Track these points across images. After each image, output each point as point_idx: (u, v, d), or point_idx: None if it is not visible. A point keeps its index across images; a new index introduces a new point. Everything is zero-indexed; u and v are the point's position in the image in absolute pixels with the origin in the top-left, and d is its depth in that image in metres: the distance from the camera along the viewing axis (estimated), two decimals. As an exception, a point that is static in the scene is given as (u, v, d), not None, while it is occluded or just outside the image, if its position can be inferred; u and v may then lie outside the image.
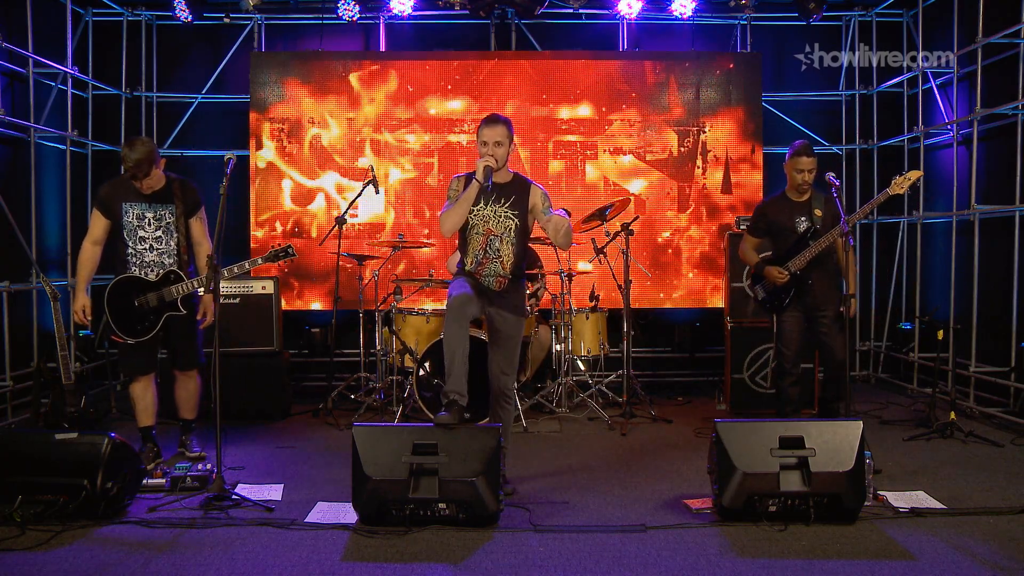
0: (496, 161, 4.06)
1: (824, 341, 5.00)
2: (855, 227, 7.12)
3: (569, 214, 4.92)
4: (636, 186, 7.40)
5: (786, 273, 4.96)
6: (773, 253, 5.16)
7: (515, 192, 4.15)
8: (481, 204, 4.13)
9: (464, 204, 4.08)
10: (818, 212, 4.96)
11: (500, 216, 4.13)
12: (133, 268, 4.61)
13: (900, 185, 4.70)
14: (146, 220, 4.60)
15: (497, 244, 4.14)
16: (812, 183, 5.01)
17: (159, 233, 4.62)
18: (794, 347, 5.07)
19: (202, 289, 4.60)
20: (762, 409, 5.98)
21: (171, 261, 4.64)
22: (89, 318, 4.63)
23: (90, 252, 4.65)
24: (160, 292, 4.59)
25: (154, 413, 4.79)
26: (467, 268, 4.21)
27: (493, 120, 4.15)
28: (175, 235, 4.64)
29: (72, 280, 6.59)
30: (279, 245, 4.72)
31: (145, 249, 4.61)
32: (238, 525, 3.71)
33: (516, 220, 4.14)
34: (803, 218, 5.00)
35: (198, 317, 4.73)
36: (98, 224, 4.63)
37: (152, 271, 4.62)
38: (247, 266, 4.64)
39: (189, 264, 4.72)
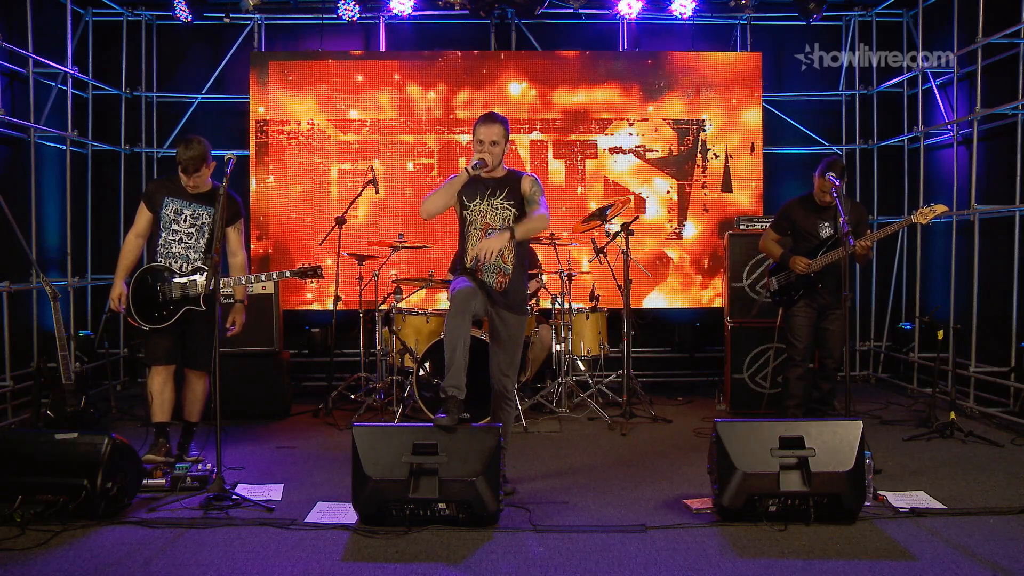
0: (492, 159, 4.04)
1: (825, 336, 5.21)
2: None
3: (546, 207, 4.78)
4: (636, 185, 7.40)
5: (808, 263, 5.12)
6: (793, 251, 5.31)
7: (509, 184, 4.13)
8: (478, 200, 4.11)
9: (449, 189, 4.06)
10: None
11: (497, 208, 4.11)
12: (159, 258, 4.72)
13: (924, 216, 4.84)
14: (183, 216, 4.72)
15: (497, 255, 4.06)
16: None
17: (191, 230, 4.73)
18: (804, 339, 5.24)
19: (234, 297, 4.81)
20: (762, 409, 5.97)
21: (196, 257, 4.72)
22: (124, 306, 4.68)
23: (132, 243, 4.78)
24: (185, 284, 4.65)
25: (170, 411, 4.84)
26: (468, 266, 4.17)
27: (490, 119, 4.09)
28: (206, 236, 4.73)
29: (73, 280, 6.63)
30: (301, 264, 4.85)
31: (175, 241, 4.72)
32: (238, 525, 3.71)
33: (513, 211, 4.12)
34: (827, 224, 5.20)
35: (227, 325, 4.81)
36: (142, 217, 4.76)
37: (176, 262, 4.70)
38: (275, 277, 4.78)
39: (223, 270, 4.76)
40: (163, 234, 4.72)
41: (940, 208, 4.82)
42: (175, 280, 4.65)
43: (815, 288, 5.17)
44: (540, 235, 5.27)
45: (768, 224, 5.70)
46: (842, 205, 4.63)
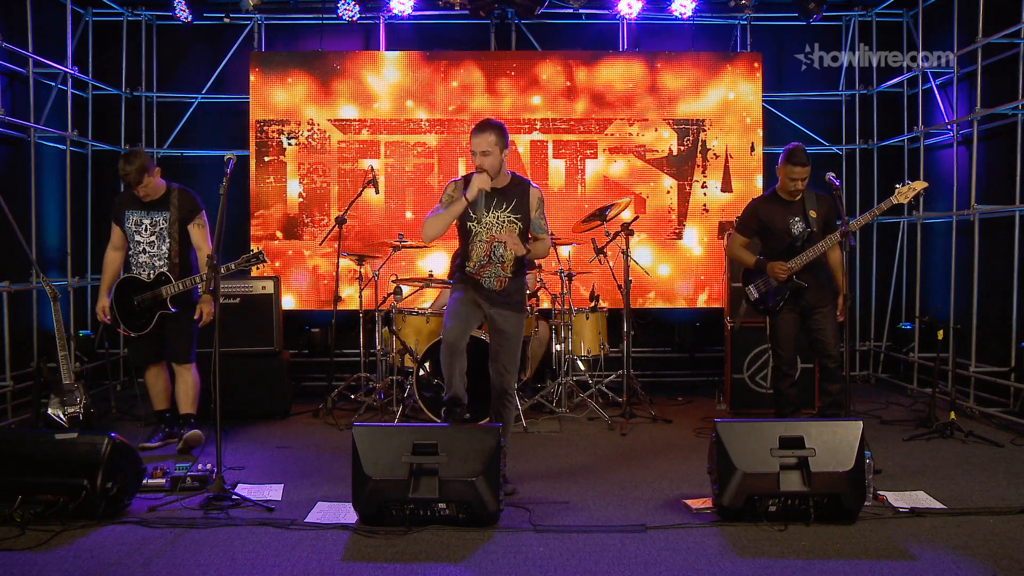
0: (489, 174, 4.03)
1: (818, 338, 4.92)
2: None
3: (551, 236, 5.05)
4: (636, 185, 7.40)
5: (788, 268, 4.88)
6: (764, 254, 5.07)
7: (516, 195, 4.14)
8: (484, 213, 4.12)
9: (448, 217, 4.10)
10: (813, 213, 4.87)
11: (504, 222, 4.13)
12: (132, 268, 5.00)
13: (904, 195, 4.66)
14: (142, 226, 4.96)
15: (501, 250, 4.15)
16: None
17: (152, 238, 4.96)
18: (791, 349, 5.03)
19: (200, 287, 4.96)
20: (762, 409, 5.97)
21: (161, 264, 4.96)
22: (109, 318, 4.99)
23: (110, 257, 5.12)
24: (154, 292, 4.91)
25: (167, 398, 5.18)
26: (467, 269, 4.21)
27: (481, 127, 4.06)
28: (167, 240, 4.96)
29: (73, 280, 6.63)
30: (259, 249, 5.01)
31: (140, 251, 4.98)
32: (238, 525, 3.71)
33: (519, 224, 4.15)
34: (797, 219, 4.92)
35: (195, 317, 4.97)
36: (114, 232, 5.09)
37: (143, 272, 4.97)
38: (221, 270, 4.74)
39: (191, 268, 5.04)
40: (130, 245, 5.00)
41: (919, 184, 4.66)
42: (145, 290, 4.92)
43: (800, 289, 4.91)
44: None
45: (733, 228, 5.38)
46: (839, 204, 4.57)
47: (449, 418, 4.16)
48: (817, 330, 4.93)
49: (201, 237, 5.01)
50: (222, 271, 4.69)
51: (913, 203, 7.05)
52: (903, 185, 4.68)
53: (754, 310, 5.22)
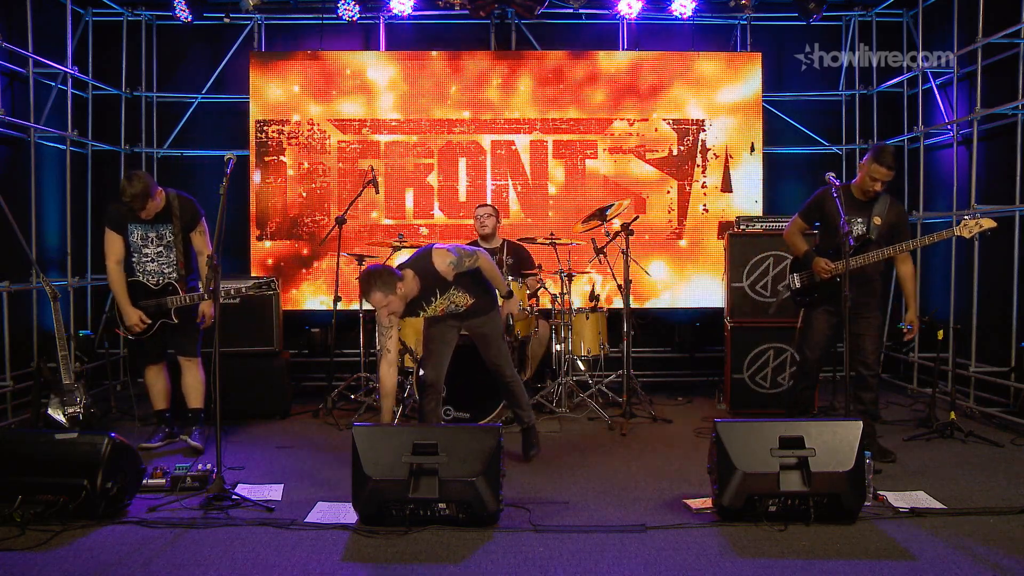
0: (396, 314, 4.23)
1: (857, 344, 4.78)
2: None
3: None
4: (636, 185, 7.40)
5: (832, 267, 4.77)
6: (819, 246, 4.97)
7: (437, 285, 4.33)
8: (427, 307, 4.39)
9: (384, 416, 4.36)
10: (877, 220, 4.75)
11: (448, 299, 4.41)
12: (138, 273, 5.02)
13: (969, 229, 4.57)
14: (149, 239, 5.00)
15: (454, 308, 4.46)
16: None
17: (160, 249, 5.02)
18: (819, 351, 4.94)
19: (199, 286, 5.03)
20: (762, 409, 5.97)
21: (170, 271, 5.02)
22: (148, 322, 4.97)
23: (116, 272, 5.04)
24: (159, 300, 4.96)
25: (167, 398, 5.23)
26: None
27: (364, 292, 4.17)
28: (174, 250, 5.02)
29: (73, 280, 6.63)
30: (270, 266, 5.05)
31: (148, 261, 5.02)
32: (238, 525, 3.71)
33: (462, 291, 4.40)
34: (860, 220, 4.80)
35: (197, 320, 5.04)
36: (115, 243, 5.01)
37: (153, 278, 5.02)
38: (232, 293, 5.01)
39: (190, 275, 5.10)
40: (136, 256, 5.01)
41: (987, 223, 4.53)
42: (151, 296, 4.98)
43: (839, 291, 4.67)
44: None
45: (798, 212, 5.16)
46: (842, 207, 4.50)
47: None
48: (856, 336, 4.78)
49: (203, 243, 5.09)
50: (232, 293, 4.95)
51: (913, 202, 7.06)
52: (970, 219, 4.58)
53: (794, 301, 5.13)
